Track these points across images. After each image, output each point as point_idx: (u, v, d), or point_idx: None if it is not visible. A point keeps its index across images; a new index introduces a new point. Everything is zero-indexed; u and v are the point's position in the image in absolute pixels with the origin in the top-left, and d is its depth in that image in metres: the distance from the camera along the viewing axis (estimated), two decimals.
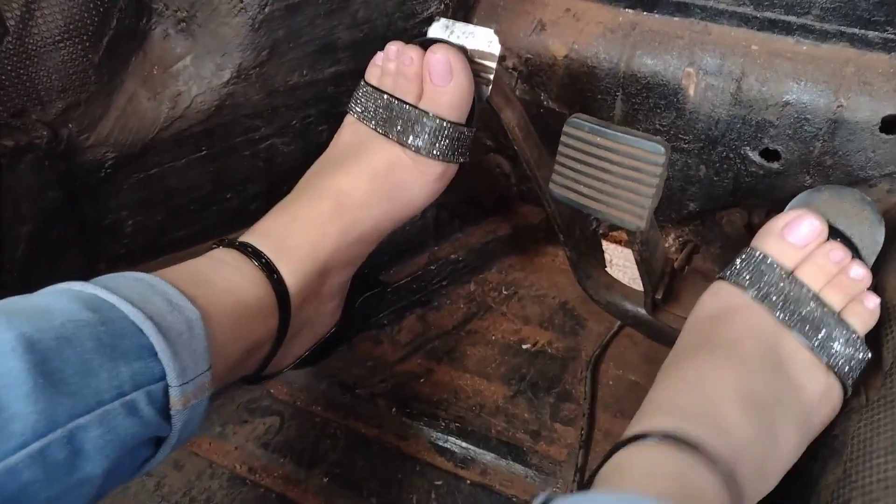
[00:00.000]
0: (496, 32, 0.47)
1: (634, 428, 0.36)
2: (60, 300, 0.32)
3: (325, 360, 0.52)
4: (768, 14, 0.50)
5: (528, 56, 0.57)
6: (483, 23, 0.59)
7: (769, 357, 0.39)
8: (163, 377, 0.33)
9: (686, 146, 0.54)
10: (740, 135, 0.52)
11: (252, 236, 0.44)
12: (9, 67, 0.44)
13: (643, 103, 0.54)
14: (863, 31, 0.47)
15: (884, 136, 0.47)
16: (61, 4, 0.44)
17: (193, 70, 0.50)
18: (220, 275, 0.40)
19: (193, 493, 0.52)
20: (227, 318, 0.38)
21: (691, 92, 0.52)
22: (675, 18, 0.53)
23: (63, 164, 0.49)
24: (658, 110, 0.54)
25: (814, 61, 0.49)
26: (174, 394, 0.33)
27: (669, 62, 0.52)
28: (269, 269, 0.42)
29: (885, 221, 0.45)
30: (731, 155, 0.53)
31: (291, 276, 0.43)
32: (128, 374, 0.32)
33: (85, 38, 0.46)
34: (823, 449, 0.40)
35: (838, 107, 0.47)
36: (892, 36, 0.46)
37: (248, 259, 0.42)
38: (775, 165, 0.52)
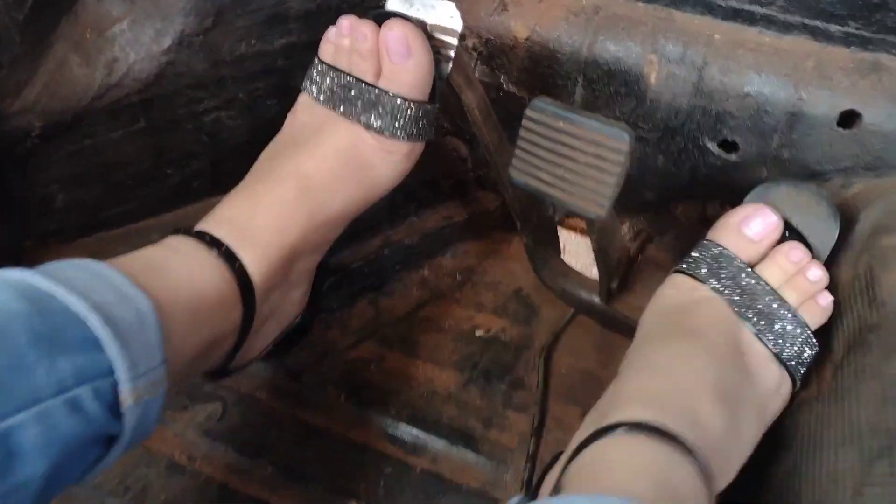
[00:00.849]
0: (457, 8, 0.44)
1: (609, 417, 0.35)
2: None
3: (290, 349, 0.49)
4: (732, 3, 0.49)
5: (489, 37, 0.55)
6: None
7: (732, 349, 0.38)
8: (111, 372, 0.30)
9: (645, 135, 0.53)
10: (700, 125, 0.51)
11: (209, 224, 0.41)
12: None
13: (604, 90, 0.53)
14: (825, 24, 0.47)
15: (841, 130, 0.46)
16: None
17: (131, 35, 0.46)
18: (176, 264, 0.37)
19: (129, 482, 0.49)
20: (184, 311, 0.36)
21: (653, 80, 0.51)
22: (640, 4, 0.52)
23: None
24: (619, 97, 0.52)
25: (776, 53, 0.48)
26: (124, 389, 0.31)
27: (632, 49, 0.51)
28: (229, 258, 0.39)
29: (840, 215, 0.44)
30: (690, 145, 0.52)
31: (255, 264, 0.40)
32: (69, 369, 0.29)
33: None
34: (774, 441, 0.40)
35: (798, 100, 0.47)
36: (853, 30, 0.46)
37: (207, 248, 0.39)
38: (733, 157, 0.51)
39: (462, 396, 0.55)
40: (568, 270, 0.56)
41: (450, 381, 0.55)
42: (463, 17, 0.45)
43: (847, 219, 0.45)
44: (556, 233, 0.59)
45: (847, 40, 0.46)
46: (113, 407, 0.31)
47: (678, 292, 0.42)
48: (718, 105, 0.49)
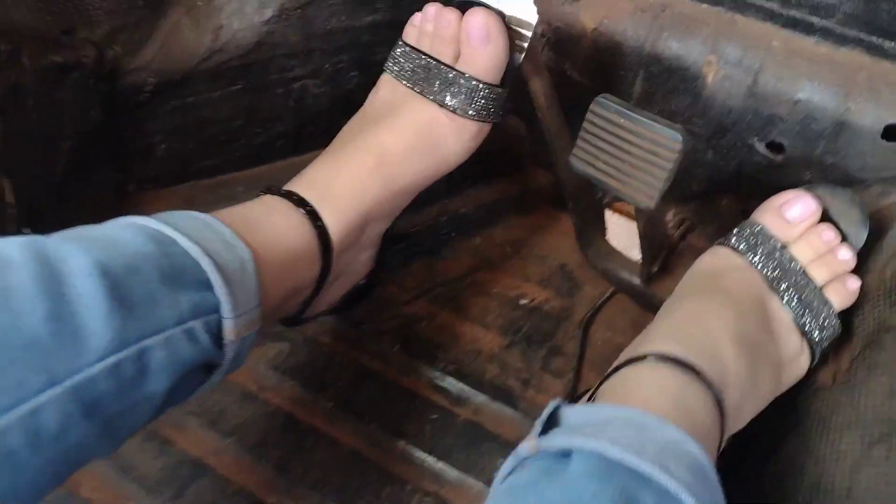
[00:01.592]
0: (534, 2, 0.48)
1: (637, 349, 0.40)
2: (127, 233, 0.35)
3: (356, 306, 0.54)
4: (794, 12, 0.52)
5: (559, 25, 0.59)
6: None
7: (759, 311, 0.43)
8: (217, 309, 0.36)
9: (697, 130, 0.57)
10: (750, 125, 0.54)
11: (297, 185, 0.46)
12: None
13: (662, 84, 0.56)
14: (880, 40, 0.50)
15: (884, 142, 0.49)
16: None
17: (237, 5, 0.51)
18: (269, 220, 0.43)
19: (208, 406, 0.56)
20: (274, 261, 0.41)
21: (710, 80, 0.54)
22: (704, 5, 0.55)
23: (106, 85, 0.50)
24: (676, 93, 0.56)
25: (830, 64, 0.51)
26: (227, 325, 0.36)
27: (693, 48, 0.54)
28: (313, 217, 0.44)
29: (874, 222, 0.48)
30: (739, 143, 0.55)
31: (334, 225, 0.45)
32: (187, 305, 0.34)
33: None
34: (788, 421, 0.45)
35: (846, 110, 0.50)
36: None
37: (294, 207, 0.44)
38: (779, 158, 0.54)
39: (504, 357, 0.60)
40: (611, 251, 0.61)
41: (494, 342, 0.61)
42: (535, 5, 0.49)
43: (881, 226, 0.49)
44: (602, 214, 0.63)
45: None
46: (217, 340, 0.37)
47: (717, 260, 0.46)
48: (770, 108, 0.53)
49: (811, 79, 0.51)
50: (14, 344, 0.28)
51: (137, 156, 0.55)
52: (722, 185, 0.60)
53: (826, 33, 0.51)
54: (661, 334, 0.42)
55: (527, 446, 0.33)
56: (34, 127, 0.48)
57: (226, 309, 0.36)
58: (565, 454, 0.31)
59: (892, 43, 0.49)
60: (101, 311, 0.30)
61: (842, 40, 0.51)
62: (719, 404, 0.38)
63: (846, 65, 0.50)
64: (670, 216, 0.65)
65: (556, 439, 0.32)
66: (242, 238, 0.39)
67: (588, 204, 0.59)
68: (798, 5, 0.51)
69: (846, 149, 0.51)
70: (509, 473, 0.33)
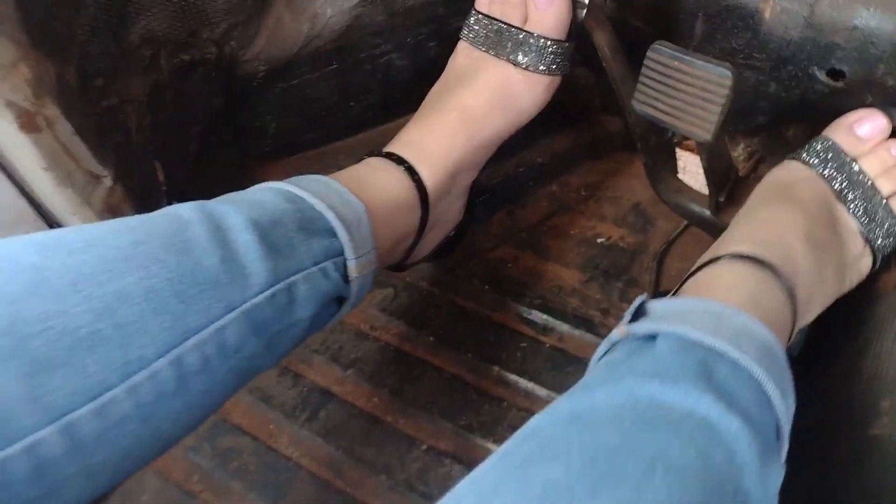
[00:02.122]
0: None
1: (714, 252, 0.45)
2: (268, 195, 0.43)
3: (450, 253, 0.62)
4: None
5: None
6: None
7: (827, 216, 0.47)
8: (342, 252, 0.44)
9: (759, 64, 0.60)
10: (809, 55, 0.57)
11: (396, 146, 0.54)
12: None
13: (722, 24, 0.59)
14: None
15: None
16: None
17: None
18: (375, 178, 0.51)
19: (328, 344, 0.66)
20: (382, 212, 0.48)
21: (767, 15, 0.57)
22: None
23: (225, 75, 0.59)
24: (735, 31, 0.59)
25: None
26: (351, 265, 0.44)
27: None
28: (411, 172, 0.52)
29: None
30: (800, 73, 0.58)
31: (429, 178, 0.52)
32: (319, 249, 0.42)
33: None
34: (851, 324, 0.49)
35: None
36: None
37: (395, 165, 0.52)
38: (840, 84, 0.57)
39: (584, 291, 0.66)
40: (682, 186, 0.65)
41: (574, 278, 0.67)
42: None
43: None
44: (672, 153, 0.67)
45: None
46: (344, 277, 0.45)
47: (787, 172, 0.50)
48: (827, 37, 0.55)
49: (867, 5, 0.53)
50: (199, 280, 0.37)
51: (254, 134, 0.64)
52: (787, 116, 0.62)
53: None
54: (736, 238, 0.46)
55: (618, 332, 0.38)
56: (172, 116, 0.58)
57: (349, 251, 0.44)
58: (651, 337, 0.37)
59: None
60: (258, 256, 0.39)
61: None
62: (792, 297, 0.42)
63: None
64: (740, 150, 0.69)
65: (644, 325, 0.38)
66: (355, 194, 0.47)
67: (657, 144, 0.63)
68: None
69: None
70: (603, 355, 0.39)
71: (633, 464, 0.29)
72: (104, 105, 0.51)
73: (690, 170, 0.66)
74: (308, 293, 0.42)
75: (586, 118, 0.72)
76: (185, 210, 0.40)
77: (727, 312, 0.38)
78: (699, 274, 0.44)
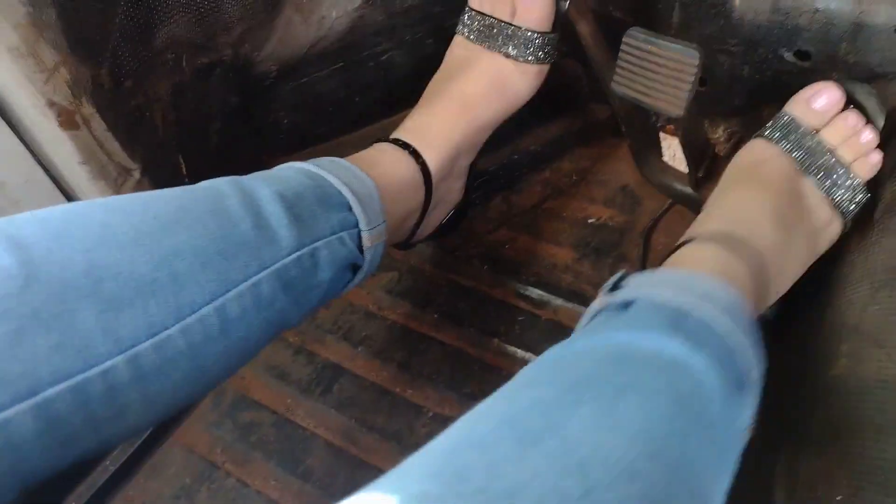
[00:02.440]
0: None
1: (689, 233, 0.50)
2: (291, 172, 0.48)
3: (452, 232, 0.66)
4: None
5: None
6: None
7: (791, 191, 0.51)
8: (357, 224, 0.49)
9: (732, 49, 0.64)
10: (778, 38, 0.61)
11: (401, 133, 0.59)
12: (207, 3, 0.59)
13: (696, 12, 0.64)
14: None
15: None
16: None
17: None
18: (384, 160, 0.55)
19: (339, 324, 0.71)
20: (391, 190, 0.53)
21: (737, 2, 0.61)
22: None
23: (240, 75, 0.64)
24: (709, 18, 0.64)
25: None
26: (364, 235, 0.49)
27: None
28: (416, 155, 0.57)
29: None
30: (770, 56, 0.62)
31: (432, 160, 0.57)
32: (336, 220, 0.47)
33: None
34: (817, 281, 0.53)
35: (860, 13, 0.56)
36: None
37: (401, 149, 0.57)
38: (807, 64, 0.61)
39: (576, 268, 0.71)
40: (665, 167, 0.70)
41: (567, 256, 0.72)
42: None
43: None
44: (656, 136, 0.72)
45: None
46: (359, 246, 0.50)
47: (753, 153, 0.54)
48: (793, 21, 0.59)
49: None
50: (237, 242, 0.42)
51: (267, 129, 0.69)
52: (761, 97, 0.67)
53: None
54: (707, 220, 0.51)
55: (597, 302, 0.43)
56: (193, 114, 0.63)
57: (362, 223, 0.49)
58: (627, 304, 0.40)
59: None
60: (285, 223, 0.44)
61: None
62: (761, 269, 0.46)
63: None
64: (720, 131, 0.73)
65: (620, 294, 0.41)
66: (368, 174, 0.52)
67: (640, 128, 0.68)
68: None
69: (865, 47, 0.57)
70: (586, 324, 0.43)
71: (609, 387, 0.33)
72: (133, 104, 0.56)
73: (669, 150, 0.70)
74: (328, 258, 0.47)
75: (576, 107, 0.77)
76: (222, 183, 0.45)
77: (695, 278, 0.42)
78: (675, 254, 0.48)
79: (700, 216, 0.53)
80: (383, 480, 0.27)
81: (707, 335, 0.38)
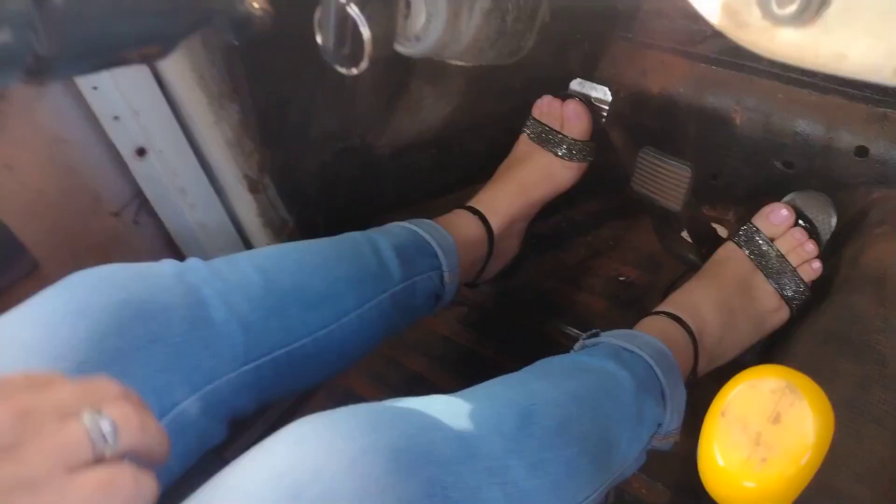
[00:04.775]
0: (610, 89, 0.77)
1: (658, 308, 0.68)
2: (398, 229, 0.69)
3: (509, 279, 0.86)
4: (791, 73, 0.76)
5: (634, 90, 0.87)
6: (608, 68, 0.89)
7: (744, 284, 0.68)
8: (440, 267, 0.68)
9: (736, 155, 0.82)
10: (768, 150, 0.78)
11: (474, 202, 0.79)
12: (345, 105, 0.82)
13: (707, 126, 0.82)
14: (852, 90, 0.72)
15: (856, 158, 0.72)
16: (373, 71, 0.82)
17: (432, 103, 0.86)
18: (461, 222, 0.75)
19: (422, 343, 0.90)
20: (464, 244, 0.73)
21: (738, 121, 0.79)
22: (731, 72, 0.80)
23: (363, 156, 0.87)
24: (717, 131, 0.81)
25: (817, 107, 0.74)
26: (445, 275, 0.69)
27: (724, 101, 0.80)
28: (483, 220, 0.77)
29: (859, 213, 0.71)
30: (763, 162, 0.79)
31: (495, 223, 0.77)
32: (427, 264, 0.67)
33: (381, 89, 0.83)
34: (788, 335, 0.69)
35: (829, 138, 0.73)
36: (868, 94, 0.71)
37: (473, 215, 0.77)
38: (791, 171, 0.78)
39: (608, 315, 0.88)
40: (681, 241, 0.87)
41: (601, 306, 0.89)
42: (619, 77, 0.77)
43: (865, 214, 0.71)
44: (674, 218, 0.89)
45: (865, 100, 0.71)
46: (440, 283, 0.70)
47: (724, 252, 0.71)
48: (779, 138, 0.76)
49: (804, 118, 0.74)
50: (368, 274, 0.61)
51: (379, 196, 0.91)
52: (758, 191, 0.83)
53: (814, 86, 0.74)
54: (670, 300, 0.69)
55: (578, 343, 0.63)
56: (330, 183, 0.86)
57: (444, 266, 0.68)
58: (596, 343, 0.60)
59: (860, 92, 0.72)
60: (396, 264, 0.64)
61: (825, 90, 0.74)
62: (694, 340, 0.64)
63: (828, 107, 0.73)
64: (731, 214, 0.90)
65: (591, 340, 0.61)
66: (449, 231, 0.72)
67: (660, 212, 0.86)
68: (794, 69, 0.75)
69: (834, 163, 0.73)
70: (573, 351, 0.63)
71: (562, 375, 0.53)
72: (294, 176, 0.80)
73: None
74: (422, 288, 0.67)
75: (614, 188, 0.96)
76: (357, 235, 0.66)
77: (640, 334, 0.61)
78: (642, 320, 0.67)
79: (670, 296, 0.71)
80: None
81: (636, 364, 0.58)
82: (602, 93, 0.77)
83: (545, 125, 0.80)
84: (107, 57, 0.25)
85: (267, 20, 0.30)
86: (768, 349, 0.70)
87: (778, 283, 0.68)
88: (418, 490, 0.37)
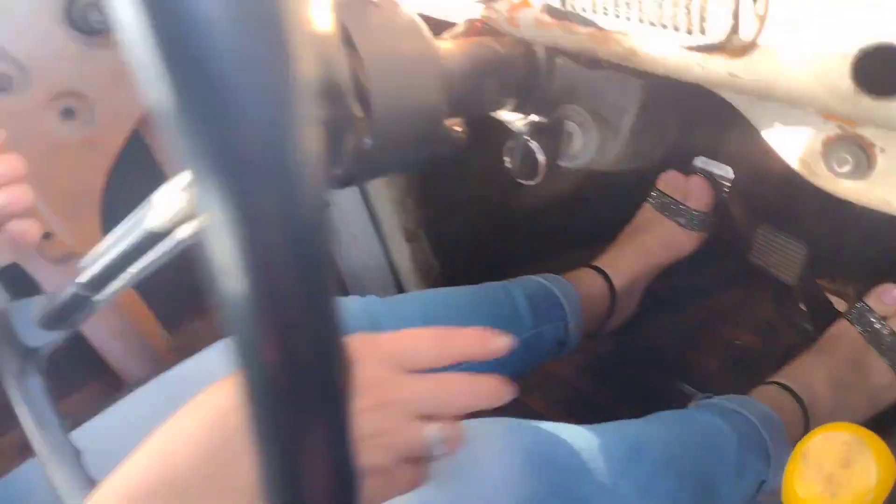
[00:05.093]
0: (733, 168, 0.85)
1: (773, 378, 0.74)
2: (531, 282, 0.80)
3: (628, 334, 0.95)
4: None
5: (756, 167, 0.93)
6: (732, 145, 0.96)
7: (856, 361, 0.72)
8: (565, 318, 0.79)
9: (856, 233, 0.85)
10: (890, 231, 0.82)
11: (599, 261, 0.89)
12: (490, 174, 0.95)
13: (829, 204, 0.86)
14: None
15: None
16: None
17: (566, 173, 0.97)
18: (586, 279, 0.86)
19: (543, 385, 1.00)
20: (588, 299, 0.83)
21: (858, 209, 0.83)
22: None
23: (502, 215, 0.99)
24: (838, 209, 0.85)
25: None
26: (570, 325, 0.79)
27: None
28: (607, 278, 0.86)
29: None
30: (883, 242, 0.83)
31: (617, 282, 0.86)
32: (555, 314, 0.78)
33: None
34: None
35: None
36: None
37: (598, 273, 0.87)
38: None
39: (721, 377, 0.93)
40: (799, 312, 0.91)
41: (714, 365, 0.94)
42: (739, 157, 0.85)
43: None
44: (792, 290, 0.93)
45: None
46: (564, 332, 0.80)
47: (837, 328, 0.76)
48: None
49: None
50: (504, 319, 0.73)
51: (513, 249, 1.03)
52: (878, 269, 0.86)
53: None
54: (783, 372, 0.74)
55: (692, 402, 0.70)
56: (468, 236, 0.99)
57: (569, 318, 0.79)
58: (710, 405, 0.68)
59: None
60: (528, 313, 0.75)
61: None
62: (804, 410, 0.69)
63: None
64: (851, 290, 0.93)
65: (708, 401, 0.69)
66: (574, 286, 0.82)
67: (778, 283, 0.91)
68: None
69: None
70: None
71: (672, 422, 0.62)
72: (443, 230, 0.94)
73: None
74: (549, 336, 0.78)
75: (733, 256, 1.01)
76: (496, 285, 0.78)
77: (751, 399, 0.68)
78: (756, 388, 0.73)
79: (784, 367, 0.76)
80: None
81: (738, 421, 0.64)
82: (725, 171, 0.85)
83: (669, 196, 0.88)
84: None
85: (465, 142, 0.43)
86: (880, 423, 0.73)
87: (891, 360, 0.71)
88: (546, 488, 0.47)
